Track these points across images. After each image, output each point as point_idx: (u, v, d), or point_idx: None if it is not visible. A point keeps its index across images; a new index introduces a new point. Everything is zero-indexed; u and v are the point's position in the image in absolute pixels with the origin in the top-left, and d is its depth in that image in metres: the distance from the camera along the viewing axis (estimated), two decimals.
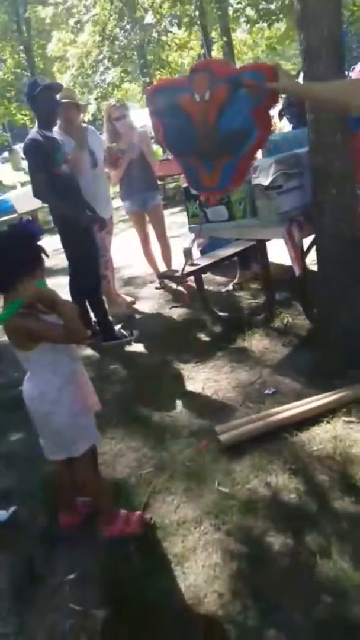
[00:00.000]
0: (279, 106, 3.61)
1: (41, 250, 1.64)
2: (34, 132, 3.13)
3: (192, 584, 1.63)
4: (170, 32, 13.98)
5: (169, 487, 2.06)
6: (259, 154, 2.81)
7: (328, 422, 2.19)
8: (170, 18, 13.82)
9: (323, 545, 1.64)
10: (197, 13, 12.67)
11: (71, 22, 13.55)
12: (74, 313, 1.64)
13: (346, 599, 1.47)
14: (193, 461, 2.17)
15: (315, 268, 2.73)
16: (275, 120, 4.79)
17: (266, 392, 2.56)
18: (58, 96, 3.52)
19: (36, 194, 3.12)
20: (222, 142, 1.86)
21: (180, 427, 2.44)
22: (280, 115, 4.27)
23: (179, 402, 2.65)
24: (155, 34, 13.35)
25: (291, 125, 4.34)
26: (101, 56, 13.08)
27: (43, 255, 1.65)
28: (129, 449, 2.33)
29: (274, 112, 4.49)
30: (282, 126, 4.73)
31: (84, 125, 3.83)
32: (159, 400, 2.70)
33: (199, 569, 1.67)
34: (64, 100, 3.46)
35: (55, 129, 3.63)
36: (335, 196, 2.24)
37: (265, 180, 2.45)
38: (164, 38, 13.56)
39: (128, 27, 13.03)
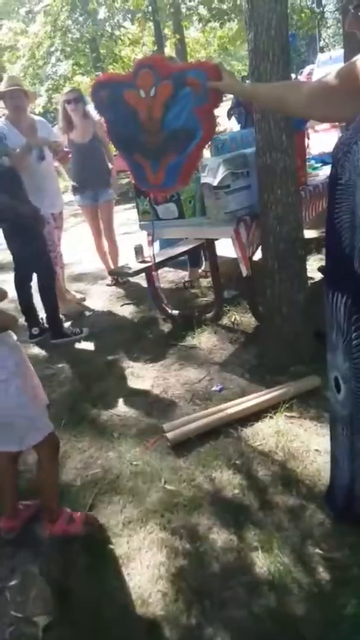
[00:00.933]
0: (227, 106, 3.64)
1: None
2: None
3: (137, 584, 1.62)
4: (123, 27, 13.82)
5: (115, 487, 2.04)
6: (207, 153, 2.84)
7: (271, 417, 2.24)
8: (123, 13, 13.67)
9: (265, 541, 1.67)
10: (150, 9, 12.60)
11: (22, 11, 13.13)
12: None
13: (287, 594, 1.50)
14: (140, 460, 2.15)
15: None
16: (224, 119, 4.85)
17: (213, 388, 2.59)
18: (4, 84, 3.40)
19: None
20: (167, 140, 1.84)
21: (128, 426, 2.42)
22: (229, 115, 4.32)
23: (127, 401, 2.63)
24: (108, 28, 13.17)
25: (239, 125, 4.40)
26: (53, 48, 12.76)
27: None
28: (75, 450, 2.28)
29: (222, 111, 4.55)
30: (231, 126, 4.78)
31: (33, 116, 3.71)
32: (108, 399, 2.67)
33: (144, 569, 1.67)
34: (11, 88, 3.34)
35: (2, 119, 3.50)
36: (279, 196, 2.29)
37: (214, 180, 2.47)
38: (117, 32, 13.39)
39: (81, 19, 12.78)
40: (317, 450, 2.01)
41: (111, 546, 1.77)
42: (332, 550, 1.60)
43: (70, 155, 3.79)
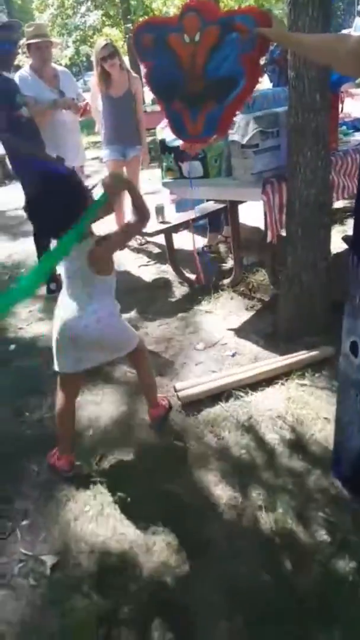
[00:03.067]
0: (262, 61, 3.48)
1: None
2: None
3: (141, 532, 1.68)
4: None
5: (126, 439, 2.09)
6: None
7: (282, 384, 2.25)
8: None
9: (268, 500, 1.70)
10: None
11: None
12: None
13: (286, 551, 1.54)
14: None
15: (284, 233, 2.72)
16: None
17: (226, 353, 2.59)
18: (30, 33, 3.30)
19: None
20: (209, 87, 1.78)
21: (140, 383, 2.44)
22: (262, 71, 4.14)
23: None
24: None
25: (272, 83, 4.23)
26: None
27: None
28: (90, 403, 2.33)
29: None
30: (263, 83, 4.59)
31: (57, 67, 3.61)
32: (121, 357, 2.68)
33: (149, 519, 1.71)
34: (36, 40, 3.24)
35: (26, 68, 3.41)
36: (309, 159, 2.21)
37: (242, 138, 2.39)
38: None
39: None
40: (326, 418, 2.02)
41: (120, 494, 1.83)
42: (334, 515, 1.63)
43: (89, 108, 3.68)
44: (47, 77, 3.30)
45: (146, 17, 12.70)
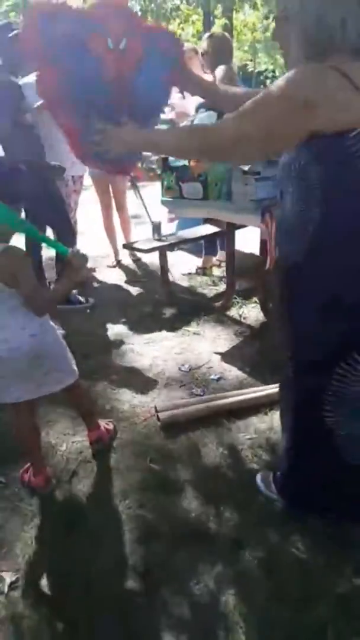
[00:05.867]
0: None
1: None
2: (4, 74, 2.94)
3: (106, 559, 1.60)
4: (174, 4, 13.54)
5: (101, 458, 2.02)
6: None
7: (265, 413, 2.21)
8: None
9: (242, 534, 1.65)
10: None
11: None
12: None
13: (259, 588, 1.49)
14: (129, 435, 2.13)
15: None
16: None
17: (211, 377, 2.56)
18: None
19: None
20: (133, 106, 1.52)
21: (121, 401, 2.39)
22: None
23: (123, 377, 2.60)
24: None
25: None
26: None
27: None
28: (66, 416, 2.26)
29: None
30: None
31: None
32: (104, 372, 2.64)
33: (116, 545, 1.65)
34: None
35: (32, 76, 3.42)
36: None
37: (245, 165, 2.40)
38: (166, 5, 13.14)
39: None
40: None
41: (86, 516, 1.76)
42: (310, 550, 1.58)
43: None
44: None
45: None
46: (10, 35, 2.87)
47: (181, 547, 1.61)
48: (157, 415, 2.18)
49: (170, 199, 2.87)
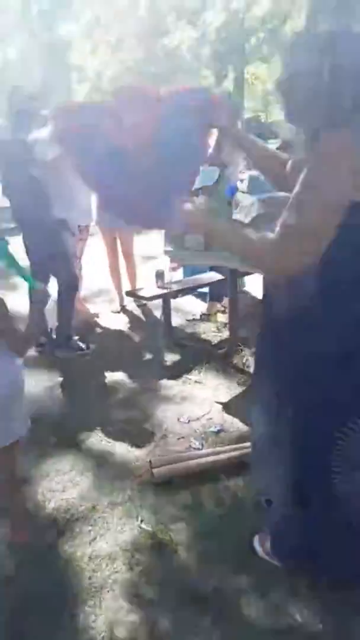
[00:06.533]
0: (276, 144, 3.60)
1: None
2: (13, 133, 3.07)
3: (91, 624, 1.50)
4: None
5: (89, 517, 1.93)
6: (244, 187, 2.78)
7: None
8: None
9: (238, 599, 1.54)
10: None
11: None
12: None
13: None
14: (121, 492, 2.05)
15: None
16: None
17: (211, 429, 2.47)
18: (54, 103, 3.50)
19: (4, 193, 3.07)
20: (159, 165, 1.57)
21: (116, 454, 2.31)
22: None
23: (120, 428, 2.53)
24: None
25: None
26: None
27: None
28: (56, 472, 2.18)
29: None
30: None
31: None
32: (100, 422, 2.57)
33: (102, 611, 1.55)
34: (60, 107, 3.41)
35: (46, 131, 3.56)
36: None
37: (246, 218, 2.42)
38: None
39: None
40: None
41: (73, 579, 1.66)
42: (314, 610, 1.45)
43: None
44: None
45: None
46: (17, 94, 3.01)
47: (172, 613, 1.51)
48: (151, 471, 2.09)
49: (172, 249, 2.88)
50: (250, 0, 10.88)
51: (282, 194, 2.51)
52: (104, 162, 1.57)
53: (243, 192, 2.64)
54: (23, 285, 1.69)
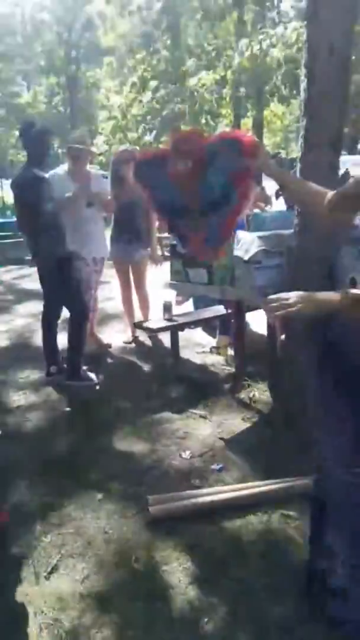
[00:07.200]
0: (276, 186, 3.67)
1: None
2: (31, 169, 3.20)
3: None
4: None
5: (84, 553, 1.91)
6: (243, 224, 2.84)
7: (266, 511, 2.06)
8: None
9: None
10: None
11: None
12: None
13: None
14: (117, 530, 2.02)
15: None
16: (272, 198, 4.92)
17: (212, 467, 2.43)
18: (71, 139, 3.65)
19: (21, 227, 3.18)
20: (206, 206, 1.85)
21: (115, 489, 2.29)
22: (277, 195, 4.37)
23: (122, 463, 2.51)
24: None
25: (287, 206, 4.44)
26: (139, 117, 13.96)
27: None
28: (53, 505, 2.17)
29: (271, 190, 4.60)
30: (273, 206, 4.83)
31: (93, 171, 3.90)
32: (103, 456, 2.57)
33: None
34: (77, 146, 3.56)
35: (63, 167, 3.70)
36: (308, 279, 2.23)
37: (246, 254, 2.46)
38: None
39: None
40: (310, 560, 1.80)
41: (61, 618, 1.63)
42: None
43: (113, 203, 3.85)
44: (79, 180, 3.54)
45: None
46: (34, 131, 3.15)
47: None
48: (149, 509, 2.06)
49: (177, 283, 2.92)
50: (269, 44, 11.30)
51: (282, 231, 2.56)
52: (166, 199, 1.96)
53: (243, 230, 2.69)
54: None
